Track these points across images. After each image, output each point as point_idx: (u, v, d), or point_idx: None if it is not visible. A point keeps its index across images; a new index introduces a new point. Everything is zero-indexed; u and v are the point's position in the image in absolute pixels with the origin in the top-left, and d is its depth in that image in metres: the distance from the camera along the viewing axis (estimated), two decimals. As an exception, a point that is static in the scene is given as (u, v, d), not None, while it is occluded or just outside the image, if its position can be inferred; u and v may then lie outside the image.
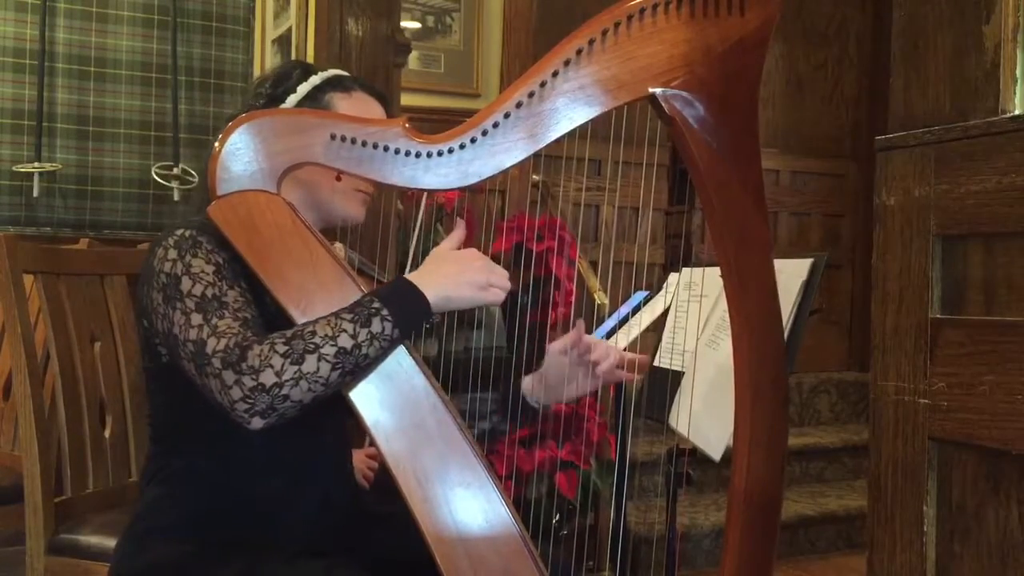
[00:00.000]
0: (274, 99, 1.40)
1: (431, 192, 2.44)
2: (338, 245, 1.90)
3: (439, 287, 1.23)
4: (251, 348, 1.13)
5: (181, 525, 1.30)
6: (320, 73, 1.43)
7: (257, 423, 1.13)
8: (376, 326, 1.17)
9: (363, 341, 1.16)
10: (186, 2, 3.60)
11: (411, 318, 1.21)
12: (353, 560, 1.32)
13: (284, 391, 1.12)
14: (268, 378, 1.11)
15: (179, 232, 1.25)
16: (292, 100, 1.39)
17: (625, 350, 1.98)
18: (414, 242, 2.26)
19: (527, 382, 1.50)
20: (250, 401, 1.12)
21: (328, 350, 1.14)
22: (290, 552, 1.28)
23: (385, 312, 1.18)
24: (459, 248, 1.29)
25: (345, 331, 1.15)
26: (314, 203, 1.38)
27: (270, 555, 1.27)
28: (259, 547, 1.27)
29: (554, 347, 1.46)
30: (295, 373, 1.12)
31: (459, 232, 1.31)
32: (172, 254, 1.23)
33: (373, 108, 1.43)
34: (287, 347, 1.13)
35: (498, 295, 1.26)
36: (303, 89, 1.40)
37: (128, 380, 1.94)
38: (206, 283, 1.20)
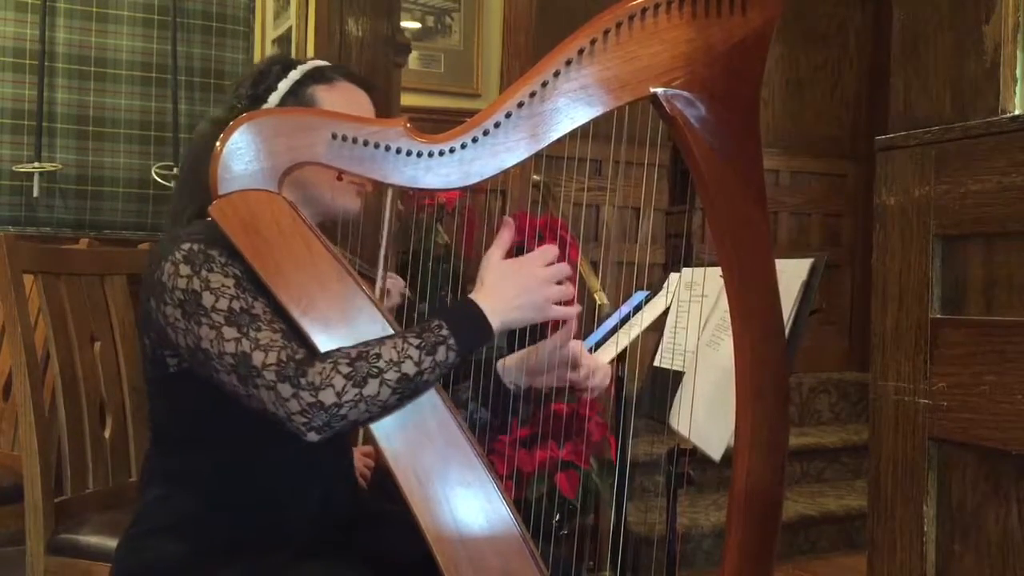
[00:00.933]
0: (256, 99, 1.38)
1: (432, 192, 2.44)
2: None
3: (503, 312, 1.22)
4: (311, 364, 1.13)
5: (182, 525, 1.30)
6: (299, 67, 1.41)
7: (313, 437, 1.13)
8: (441, 355, 1.17)
9: (426, 368, 1.16)
10: (186, 2, 3.60)
11: (473, 346, 1.20)
12: (353, 560, 1.32)
13: (343, 411, 1.12)
14: (328, 397, 1.12)
15: (186, 247, 1.23)
16: (274, 99, 1.37)
17: (625, 350, 1.98)
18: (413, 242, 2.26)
19: (506, 361, 1.46)
20: (308, 415, 1.12)
21: (391, 375, 1.14)
22: (291, 552, 1.28)
23: (452, 341, 1.17)
24: (509, 252, 1.26)
25: (411, 357, 1.15)
26: (313, 199, 1.37)
27: (271, 555, 1.27)
28: (260, 548, 1.27)
29: (550, 339, 1.43)
30: (356, 396, 1.12)
31: (507, 234, 1.28)
32: (185, 269, 1.21)
33: (357, 97, 1.42)
34: (351, 368, 1.13)
35: (563, 311, 1.25)
36: (284, 86, 1.38)
37: (128, 380, 1.94)
38: (230, 296, 1.19)
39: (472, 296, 1.23)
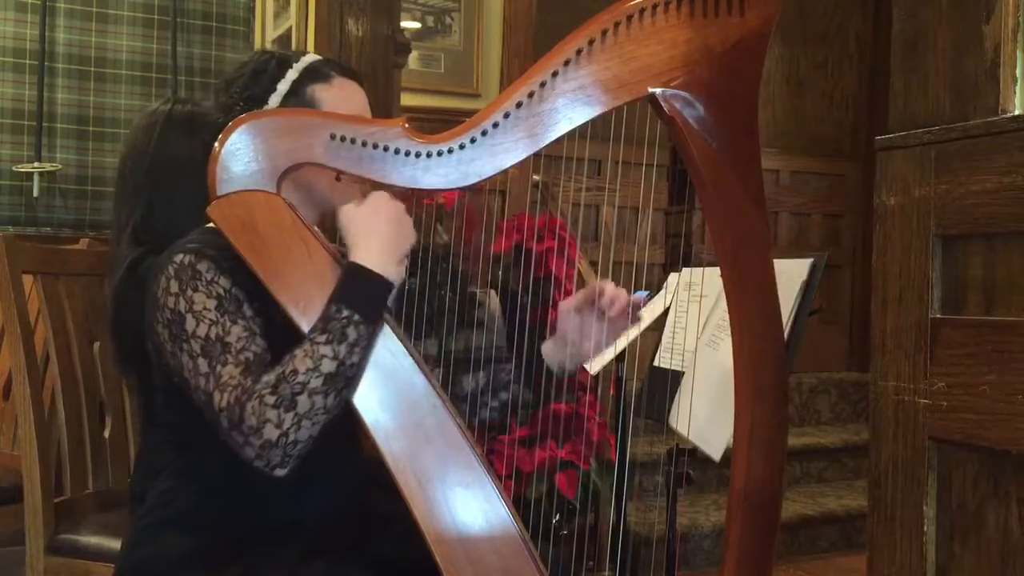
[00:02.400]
0: (254, 99, 1.37)
1: (431, 192, 2.43)
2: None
3: (386, 258, 1.22)
4: (245, 407, 1.14)
5: (190, 518, 1.31)
6: (295, 66, 1.39)
7: (280, 472, 1.16)
8: (352, 335, 1.17)
9: (344, 355, 1.16)
10: (186, 2, 3.60)
11: (377, 305, 1.21)
12: (355, 560, 1.32)
13: (291, 438, 1.14)
14: (271, 433, 1.13)
15: (178, 259, 1.25)
16: (275, 100, 1.37)
17: (625, 351, 1.98)
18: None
19: (545, 348, 1.47)
20: (264, 458, 1.14)
21: (315, 383, 1.15)
22: (294, 551, 1.28)
23: (356, 317, 1.17)
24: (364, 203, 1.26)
25: (324, 356, 1.15)
26: (312, 201, 1.37)
27: (275, 554, 1.27)
28: (266, 543, 1.28)
29: (565, 306, 1.44)
30: (293, 419, 1.14)
31: (352, 188, 1.30)
32: (174, 287, 1.23)
33: (353, 91, 1.41)
34: (275, 396, 1.14)
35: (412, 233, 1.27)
36: (283, 87, 1.37)
37: (128, 380, 1.93)
38: (209, 321, 1.21)
39: (352, 259, 1.23)
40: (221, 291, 1.22)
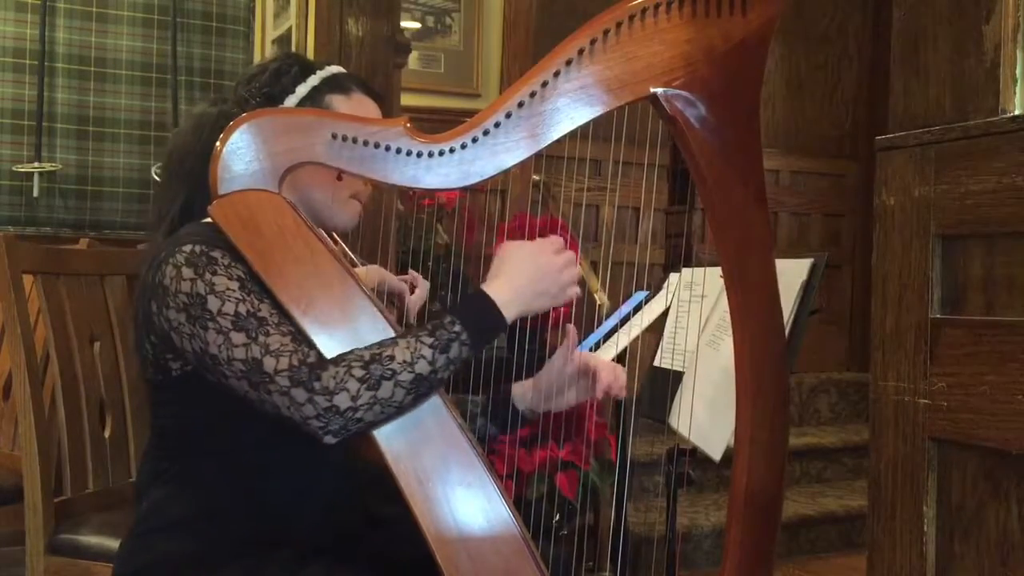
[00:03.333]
0: (271, 97, 1.38)
1: (431, 192, 2.43)
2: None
3: (518, 303, 1.22)
4: (325, 369, 1.12)
5: (185, 524, 1.30)
6: (318, 72, 1.41)
7: (330, 440, 1.14)
8: (454, 351, 1.17)
9: (440, 367, 1.16)
10: (186, 2, 3.60)
11: (487, 339, 1.20)
12: (356, 561, 1.32)
13: (359, 415, 1.13)
14: (343, 401, 1.12)
15: (187, 248, 1.22)
16: (291, 101, 1.37)
17: (625, 351, 1.98)
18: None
19: (520, 387, 1.48)
20: (324, 420, 1.12)
21: (405, 377, 1.14)
22: (293, 553, 1.28)
23: (464, 337, 1.17)
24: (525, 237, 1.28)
25: (423, 357, 1.15)
26: (309, 209, 1.36)
27: (273, 556, 1.27)
28: (264, 548, 1.27)
29: (556, 362, 1.44)
30: (370, 399, 1.13)
31: (558, 239, 1.28)
32: (187, 272, 1.20)
33: (371, 110, 1.42)
34: (364, 371, 1.13)
35: (574, 292, 1.26)
36: (302, 90, 1.38)
37: (128, 380, 1.93)
38: (236, 300, 1.18)
39: (484, 287, 1.23)
40: (241, 274, 1.20)
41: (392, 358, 1.14)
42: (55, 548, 1.72)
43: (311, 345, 1.16)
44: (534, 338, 1.42)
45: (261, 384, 1.14)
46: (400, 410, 1.16)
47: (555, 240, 1.28)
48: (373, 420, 1.14)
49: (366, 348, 1.16)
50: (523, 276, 1.24)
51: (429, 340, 1.16)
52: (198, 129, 1.76)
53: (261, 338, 1.15)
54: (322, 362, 1.14)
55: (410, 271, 1.86)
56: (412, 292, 1.86)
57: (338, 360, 1.14)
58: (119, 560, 1.36)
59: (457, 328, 1.17)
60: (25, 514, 1.74)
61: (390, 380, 1.13)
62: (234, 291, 1.19)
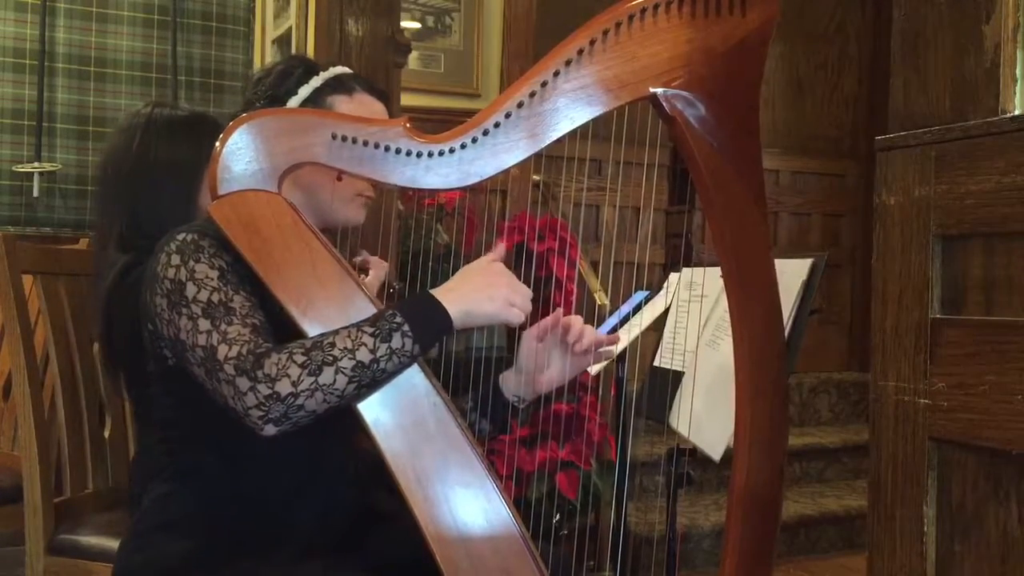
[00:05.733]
0: (275, 99, 1.40)
1: (432, 192, 2.43)
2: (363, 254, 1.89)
3: (462, 302, 1.22)
4: (268, 356, 1.13)
5: (186, 522, 1.30)
6: (322, 73, 1.42)
7: (270, 430, 1.14)
8: (396, 341, 1.17)
9: (382, 356, 1.16)
10: (186, 2, 3.60)
11: (432, 334, 1.20)
12: (356, 559, 1.32)
13: (299, 401, 1.13)
14: (284, 387, 1.12)
15: (180, 236, 1.25)
16: (294, 102, 1.39)
17: (625, 350, 1.98)
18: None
19: (505, 377, 1.46)
20: (264, 408, 1.12)
21: (346, 363, 1.14)
22: (293, 552, 1.28)
23: (406, 328, 1.17)
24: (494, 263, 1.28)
25: (365, 345, 1.15)
26: (313, 206, 1.37)
27: (274, 554, 1.27)
28: (263, 546, 1.28)
29: (528, 334, 1.43)
30: (311, 384, 1.13)
31: (500, 250, 1.30)
32: (175, 260, 1.23)
33: (375, 109, 1.43)
34: (305, 357, 1.13)
35: (518, 315, 1.25)
36: (304, 91, 1.39)
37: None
38: (211, 288, 1.20)
39: (430, 291, 1.24)
40: (223, 264, 1.23)
41: (333, 344, 1.15)
42: (55, 548, 1.72)
43: (274, 339, 1.17)
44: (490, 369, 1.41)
45: (213, 372, 1.15)
46: (342, 399, 1.15)
47: (497, 263, 1.28)
48: (315, 409, 1.14)
49: (309, 338, 1.16)
50: (469, 282, 1.25)
51: (370, 330, 1.17)
52: (130, 131, 1.77)
53: (223, 327, 1.17)
54: (269, 352, 1.14)
55: (361, 251, 1.86)
56: (366, 274, 1.86)
57: (280, 348, 1.15)
58: (120, 558, 1.36)
59: (398, 319, 1.18)
60: (25, 514, 1.74)
61: (331, 366, 1.13)
62: (212, 280, 1.21)
